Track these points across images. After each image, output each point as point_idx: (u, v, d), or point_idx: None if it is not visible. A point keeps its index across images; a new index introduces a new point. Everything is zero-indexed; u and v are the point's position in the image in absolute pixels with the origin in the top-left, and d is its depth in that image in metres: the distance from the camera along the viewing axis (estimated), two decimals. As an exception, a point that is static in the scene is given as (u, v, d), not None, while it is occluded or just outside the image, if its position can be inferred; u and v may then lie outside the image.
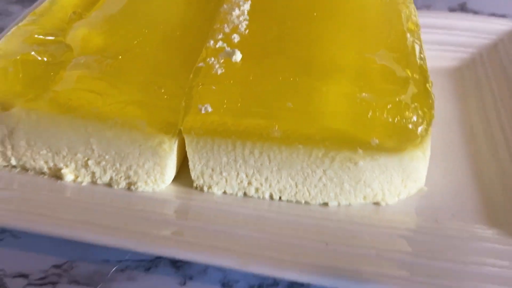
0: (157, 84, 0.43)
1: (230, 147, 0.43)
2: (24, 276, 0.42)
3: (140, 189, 0.45)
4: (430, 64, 0.52)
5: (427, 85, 0.43)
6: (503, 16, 0.76)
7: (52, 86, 0.43)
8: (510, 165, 0.47)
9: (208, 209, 0.44)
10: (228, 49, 0.46)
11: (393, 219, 0.44)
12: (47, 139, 0.45)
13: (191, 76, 0.44)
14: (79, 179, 0.46)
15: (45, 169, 0.46)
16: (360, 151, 0.41)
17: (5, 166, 0.47)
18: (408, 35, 0.48)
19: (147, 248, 0.40)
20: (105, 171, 0.45)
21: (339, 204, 0.45)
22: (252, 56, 0.45)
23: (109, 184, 0.46)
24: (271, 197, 0.45)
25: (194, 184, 0.46)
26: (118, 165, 0.45)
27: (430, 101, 0.42)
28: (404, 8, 0.52)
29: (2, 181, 0.46)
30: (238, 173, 0.44)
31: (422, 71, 0.44)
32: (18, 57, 0.44)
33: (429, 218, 0.44)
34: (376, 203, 0.45)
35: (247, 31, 0.49)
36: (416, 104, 0.41)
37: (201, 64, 0.45)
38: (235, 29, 0.49)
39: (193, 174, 0.45)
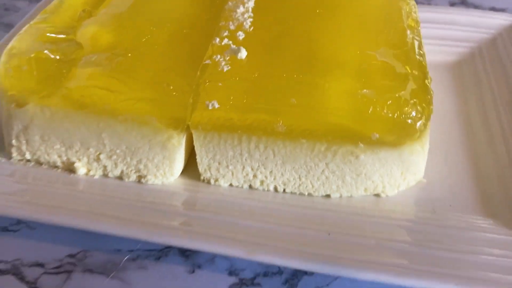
0: (165, 82, 0.45)
1: (236, 142, 0.45)
2: (40, 265, 0.44)
3: (150, 182, 0.47)
4: (430, 58, 0.54)
5: (426, 81, 0.45)
6: (503, 10, 0.77)
7: (65, 83, 0.45)
8: (506, 158, 0.49)
9: (215, 201, 0.46)
10: (233, 46, 0.47)
11: (393, 210, 0.45)
12: (61, 134, 0.46)
13: (198, 73, 0.46)
14: (91, 173, 0.48)
15: (59, 163, 0.48)
16: (361, 145, 0.43)
17: (20, 160, 0.49)
18: (408, 32, 0.49)
19: (158, 238, 0.41)
20: (116, 165, 0.47)
21: (341, 196, 0.46)
22: (256, 53, 0.47)
23: (120, 177, 0.48)
24: (275, 189, 0.47)
25: (202, 177, 0.48)
26: (128, 159, 0.46)
27: (429, 97, 0.44)
28: (405, 5, 0.53)
29: (17, 175, 0.47)
30: (244, 167, 0.46)
31: (421, 67, 0.46)
32: (32, 55, 0.45)
33: (427, 209, 0.46)
34: (377, 195, 0.47)
35: (251, 28, 0.50)
36: (415, 100, 0.42)
37: (207, 61, 0.46)
38: (240, 27, 0.50)
39: (200, 168, 0.47)
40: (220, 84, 0.44)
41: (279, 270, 0.44)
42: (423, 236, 0.42)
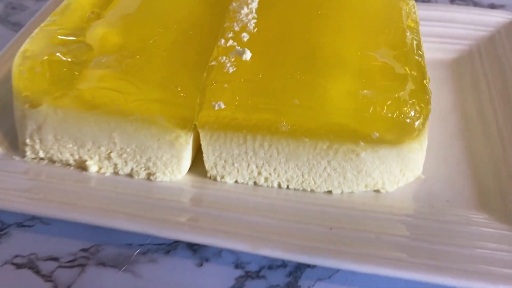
0: (173, 83, 0.46)
1: (242, 140, 0.46)
2: (54, 259, 0.46)
3: (158, 179, 0.49)
4: (429, 56, 0.55)
5: (424, 81, 0.46)
6: (502, 6, 0.78)
7: (77, 85, 0.46)
8: (501, 154, 0.50)
9: (221, 197, 0.47)
10: (238, 48, 0.49)
11: (392, 205, 0.47)
12: (73, 134, 0.48)
13: (205, 74, 0.47)
14: (103, 170, 0.50)
15: (71, 161, 0.50)
16: (362, 143, 0.45)
17: (33, 158, 0.51)
18: (408, 32, 0.50)
19: (167, 233, 0.43)
20: (126, 163, 0.49)
21: (342, 192, 0.48)
22: (260, 54, 0.48)
23: (130, 175, 0.49)
24: (279, 186, 0.49)
25: (208, 174, 0.49)
26: (138, 157, 0.48)
27: (427, 97, 0.45)
28: (404, 5, 0.54)
29: (31, 173, 0.49)
30: (249, 164, 0.48)
31: (420, 67, 0.47)
32: (44, 58, 0.47)
33: (426, 204, 0.47)
34: (377, 191, 0.48)
35: (255, 29, 0.52)
36: (413, 100, 0.44)
37: (213, 62, 0.48)
38: (244, 28, 0.52)
39: (207, 165, 0.49)
40: (225, 85, 0.45)
41: (283, 263, 0.46)
42: (421, 230, 0.44)
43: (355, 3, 0.55)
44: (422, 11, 0.61)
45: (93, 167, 0.49)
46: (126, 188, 0.48)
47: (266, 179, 0.49)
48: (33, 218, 0.49)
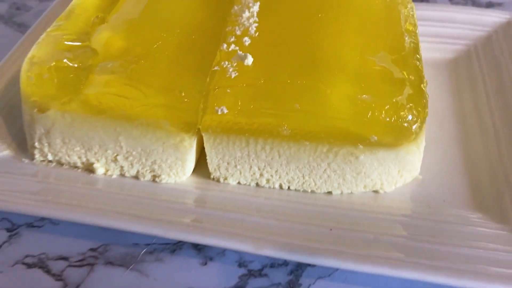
0: (177, 88, 0.48)
1: (244, 144, 0.48)
2: (64, 258, 0.48)
3: (163, 181, 0.50)
4: (426, 56, 0.56)
5: (422, 85, 0.47)
6: (499, 4, 0.79)
7: (83, 90, 0.48)
8: (497, 155, 0.51)
9: (224, 198, 0.49)
10: (240, 52, 0.50)
11: (390, 205, 0.48)
12: (80, 138, 0.49)
13: (208, 79, 0.48)
14: (109, 172, 0.51)
15: (79, 164, 0.51)
16: (361, 146, 0.46)
17: (42, 161, 0.52)
18: (406, 36, 0.52)
19: (172, 234, 0.44)
20: (132, 165, 0.50)
21: (342, 193, 0.50)
22: (262, 58, 0.50)
23: (136, 177, 0.51)
24: (280, 187, 0.50)
25: (211, 176, 0.51)
26: (144, 160, 0.50)
27: (424, 101, 0.46)
28: (403, 8, 0.55)
29: (40, 175, 0.51)
30: (251, 166, 0.49)
31: (418, 71, 0.49)
32: (52, 64, 0.48)
33: (423, 204, 0.49)
34: (375, 191, 0.50)
35: (256, 33, 0.53)
36: (411, 104, 0.45)
37: (216, 67, 0.49)
38: (245, 32, 0.53)
39: (210, 167, 0.50)
40: (228, 90, 0.47)
41: (285, 262, 0.47)
42: (418, 230, 0.45)
43: (355, 7, 0.56)
44: (420, 11, 0.62)
45: (100, 169, 0.51)
46: (132, 190, 0.49)
47: (268, 180, 0.50)
48: (43, 218, 0.50)
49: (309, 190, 0.50)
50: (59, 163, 0.52)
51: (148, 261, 0.48)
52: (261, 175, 0.50)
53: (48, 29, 0.54)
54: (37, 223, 0.50)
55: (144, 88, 0.47)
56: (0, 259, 0.48)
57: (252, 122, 0.46)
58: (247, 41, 0.52)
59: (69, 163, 0.52)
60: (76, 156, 0.51)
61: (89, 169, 0.51)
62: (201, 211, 0.47)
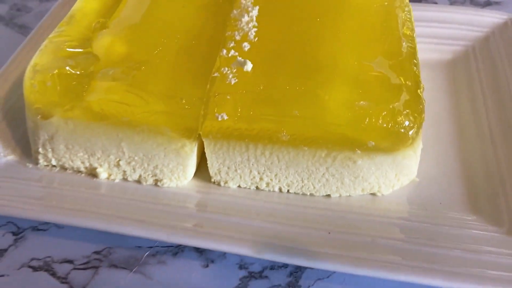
0: (178, 95, 0.48)
1: (244, 149, 0.49)
2: (69, 261, 0.49)
3: (165, 185, 0.51)
4: (424, 57, 0.57)
5: (419, 91, 0.48)
6: (497, 3, 0.79)
7: (86, 97, 0.49)
8: (493, 157, 0.52)
9: (224, 202, 0.50)
10: (240, 58, 0.50)
11: (388, 208, 0.49)
12: (83, 143, 0.50)
13: (208, 86, 0.49)
14: (112, 177, 0.52)
15: (82, 168, 0.52)
16: (358, 151, 0.47)
17: (46, 166, 0.53)
18: (403, 41, 0.52)
19: (174, 239, 0.46)
20: (134, 170, 0.51)
21: (340, 196, 0.51)
22: (261, 64, 0.50)
23: (138, 181, 0.52)
24: (280, 190, 0.51)
25: (212, 180, 0.52)
26: (146, 165, 0.51)
27: (421, 106, 0.47)
28: (400, 12, 0.56)
29: (45, 180, 0.52)
30: (251, 170, 0.50)
31: (415, 77, 0.49)
32: (55, 72, 0.49)
33: (420, 207, 0.50)
34: (373, 194, 0.51)
35: (256, 38, 0.53)
36: (408, 110, 0.46)
37: (216, 74, 0.50)
38: (245, 37, 0.53)
39: (211, 171, 0.51)
40: (228, 97, 0.47)
41: (285, 264, 0.48)
42: (415, 233, 0.46)
43: (352, 10, 0.56)
44: (417, 12, 0.62)
45: (103, 174, 0.52)
46: (135, 194, 0.50)
47: (267, 184, 0.51)
48: (48, 222, 0.51)
49: (308, 193, 0.51)
50: (63, 168, 0.53)
51: (151, 263, 0.49)
52: (261, 178, 0.51)
53: (50, 35, 0.54)
54: (42, 227, 0.52)
55: (145, 95, 0.48)
56: (7, 262, 0.49)
57: (251, 128, 0.47)
58: (246, 46, 0.52)
59: (72, 168, 0.53)
60: (79, 161, 0.52)
61: (92, 173, 0.52)
62: (202, 215, 0.48)
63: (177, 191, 0.51)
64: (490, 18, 0.67)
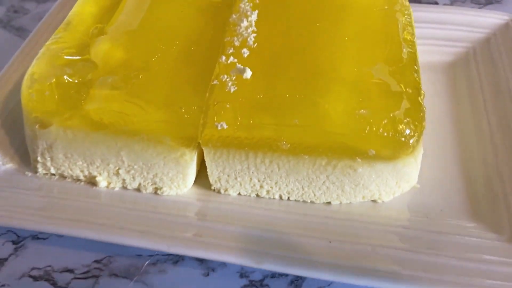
0: (177, 103, 0.48)
1: (244, 157, 0.48)
2: (70, 270, 0.49)
3: (165, 193, 0.51)
4: (424, 59, 0.56)
5: (419, 98, 0.48)
6: (498, 2, 0.79)
7: (85, 105, 0.48)
8: (494, 163, 0.52)
9: (225, 210, 0.50)
10: (239, 65, 0.50)
11: (388, 215, 0.49)
12: (82, 152, 0.50)
13: (207, 94, 0.49)
14: (112, 185, 0.52)
15: (81, 177, 0.52)
16: (359, 160, 0.47)
17: (45, 174, 0.53)
18: (404, 46, 0.52)
19: (174, 249, 0.46)
20: (134, 178, 0.51)
21: (340, 203, 0.50)
22: (260, 71, 0.50)
23: (138, 189, 0.52)
24: (280, 197, 0.51)
25: (212, 187, 0.52)
26: (145, 173, 0.50)
27: (421, 114, 0.47)
28: (401, 16, 0.55)
29: (44, 189, 0.51)
30: (251, 178, 0.50)
31: (415, 83, 0.49)
32: (52, 81, 0.49)
33: (420, 214, 0.49)
34: (374, 201, 0.51)
35: (255, 44, 0.53)
36: (408, 119, 0.46)
37: (215, 81, 0.49)
38: (244, 43, 0.53)
39: (211, 179, 0.51)
40: (227, 105, 0.47)
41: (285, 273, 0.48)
42: (416, 242, 0.46)
43: (353, 15, 0.55)
44: (417, 13, 0.61)
45: (102, 182, 0.52)
46: (135, 203, 0.50)
47: (268, 191, 0.51)
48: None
49: (309, 201, 0.51)
50: (62, 176, 0.53)
51: (152, 272, 0.49)
52: (261, 186, 0.51)
53: (47, 42, 0.54)
54: (42, 235, 0.52)
55: (144, 104, 0.48)
56: (8, 272, 0.49)
57: (251, 136, 0.47)
58: (245, 52, 0.52)
59: (71, 176, 0.52)
60: (78, 170, 0.52)
61: (91, 182, 0.52)
62: (202, 224, 0.48)
63: (177, 199, 0.51)
64: (491, 19, 0.66)
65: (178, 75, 0.51)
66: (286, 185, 0.50)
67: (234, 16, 0.57)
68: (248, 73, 0.49)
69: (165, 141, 0.48)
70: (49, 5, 0.80)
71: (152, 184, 0.51)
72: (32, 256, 0.50)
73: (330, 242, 0.46)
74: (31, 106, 0.49)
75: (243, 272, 0.49)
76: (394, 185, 0.50)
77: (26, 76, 0.50)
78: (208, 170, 0.50)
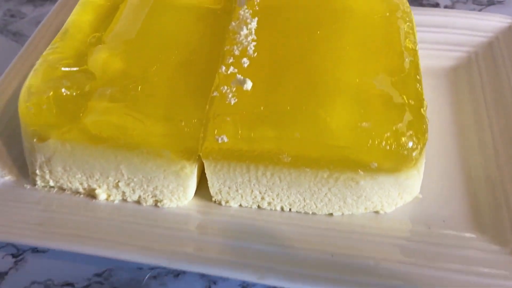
0: (177, 117, 0.47)
1: (245, 170, 0.48)
2: (70, 284, 0.49)
3: (165, 206, 0.51)
4: (425, 63, 0.55)
5: (422, 109, 0.47)
6: (500, 2, 0.78)
7: (83, 118, 0.47)
8: (497, 174, 0.52)
9: (226, 223, 0.49)
10: (239, 76, 0.49)
11: (391, 226, 0.49)
12: (81, 165, 0.50)
13: (207, 106, 0.48)
14: (111, 198, 0.51)
15: (81, 190, 0.52)
16: (361, 172, 0.46)
17: (44, 186, 0.52)
18: (406, 56, 0.51)
19: (175, 265, 0.45)
20: (134, 191, 0.51)
21: (342, 214, 0.50)
22: (261, 82, 0.49)
23: (138, 202, 0.51)
24: (282, 209, 0.51)
25: (213, 199, 0.51)
26: (145, 186, 0.50)
27: (424, 126, 0.46)
28: (402, 23, 0.55)
29: (43, 203, 0.51)
30: (252, 190, 0.50)
31: (417, 94, 0.48)
32: (50, 94, 0.48)
33: (422, 225, 0.49)
34: (376, 212, 0.50)
35: (255, 54, 0.52)
36: (411, 132, 0.45)
37: (215, 93, 0.48)
38: (244, 52, 0.52)
39: (212, 191, 0.50)
40: (228, 118, 0.46)
41: (287, 285, 0.48)
42: (418, 255, 0.46)
43: (353, 23, 0.55)
44: (417, 16, 0.60)
45: (102, 195, 0.51)
46: (135, 216, 0.50)
47: (269, 203, 0.50)
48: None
49: (310, 212, 0.50)
50: (61, 189, 0.52)
51: (153, 285, 0.49)
52: (263, 198, 0.50)
53: (44, 52, 0.53)
54: (41, 248, 0.51)
55: (143, 118, 0.47)
56: (8, 286, 0.49)
57: (252, 149, 0.46)
58: (246, 62, 0.51)
59: (71, 189, 0.52)
60: (77, 183, 0.51)
61: (91, 194, 0.52)
62: (203, 238, 0.48)
63: (178, 212, 0.50)
64: (493, 22, 0.65)
65: (177, 86, 0.50)
66: (288, 197, 0.49)
67: (233, 23, 0.56)
68: (249, 85, 0.48)
69: (165, 154, 0.47)
70: (46, 8, 0.79)
71: (152, 197, 0.51)
72: (32, 269, 0.50)
73: (332, 256, 0.46)
74: (29, 119, 0.48)
75: (244, 285, 0.49)
76: (397, 197, 0.49)
77: (23, 89, 0.49)
78: (209, 182, 0.50)
